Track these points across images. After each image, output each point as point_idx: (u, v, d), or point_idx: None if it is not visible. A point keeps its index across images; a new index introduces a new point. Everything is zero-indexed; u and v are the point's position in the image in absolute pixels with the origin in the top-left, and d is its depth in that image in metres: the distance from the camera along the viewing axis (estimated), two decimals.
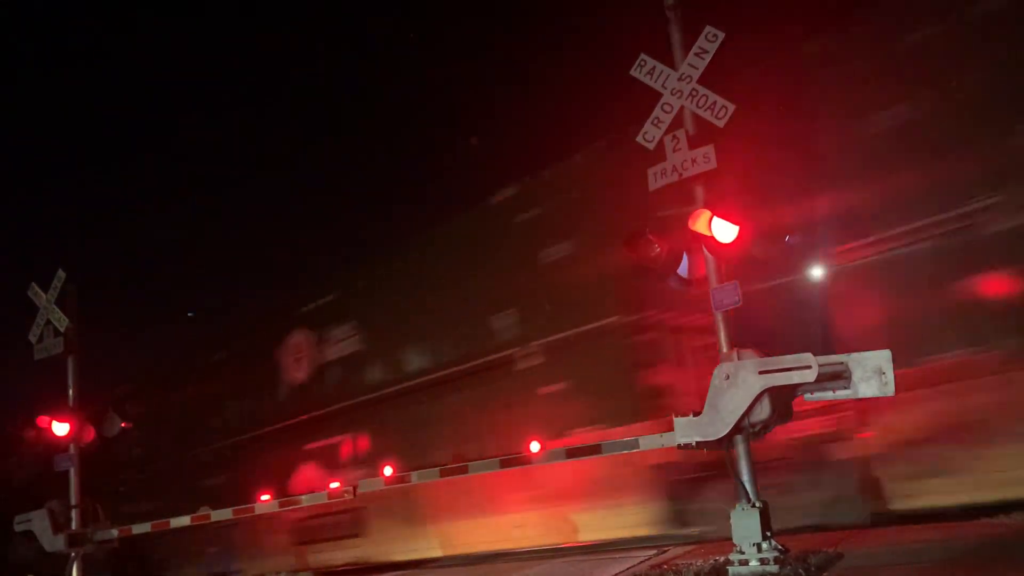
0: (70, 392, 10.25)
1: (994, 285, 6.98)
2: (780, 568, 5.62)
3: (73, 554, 9.72)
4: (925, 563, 5.40)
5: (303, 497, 8.90)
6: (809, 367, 5.59)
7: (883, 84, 7.73)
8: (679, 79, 6.49)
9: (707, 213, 6.13)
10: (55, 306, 10.32)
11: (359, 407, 12.46)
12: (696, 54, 6.42)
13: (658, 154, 6.58)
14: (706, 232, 6.15)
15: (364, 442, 12.27)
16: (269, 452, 13.64)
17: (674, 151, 6.48)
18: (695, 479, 8.34)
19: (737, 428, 5.90)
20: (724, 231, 6.08)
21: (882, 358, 5.63)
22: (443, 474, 8.24)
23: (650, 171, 6.63)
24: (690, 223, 6.20)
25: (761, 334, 6.28)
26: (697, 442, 6.02)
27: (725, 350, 6.15)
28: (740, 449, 6.11)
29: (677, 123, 6.56)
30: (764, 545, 5.78)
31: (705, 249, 6.31)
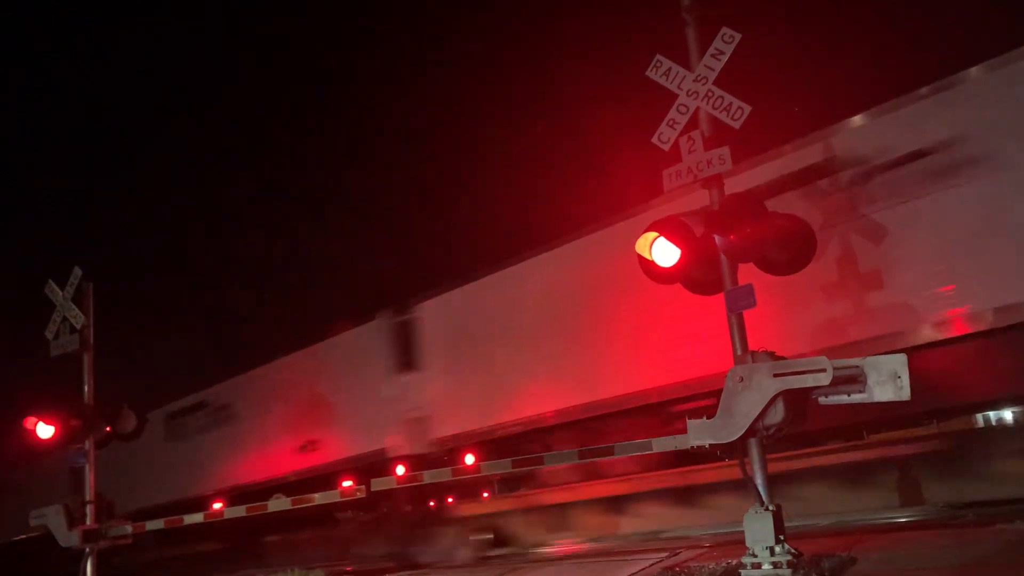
0: (85, 389, 10.32)
1: None
2: (793, 572, 5.58)
3: (87, 549, 9.77)
4: (940, 568, 5.36)
5: (316, 496, 8.92)
6: (824, 370, 5.55)
7: None
8: (695, 80, 6.47)
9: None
10: (71, 303, 10.39)
11: None
12: (712, 55, 6.40)
13: (673, 155, 6.57)
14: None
15: None
16: None
17: (689, 152, 6.46)
18: None
19: (751, 431, 5.87)
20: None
21: (897, 362, 5.59)
22: (455, 474, 8.26)
23: (665, 173, 6.61)
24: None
25: None
26: (710, 444, 6.00)
27: (739, 352, 6.12)
28: (753, 452, 6.08)
29: (692, 125, 6.55)
30: (777, 548, 5.74)
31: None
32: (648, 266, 6.57)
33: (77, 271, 10.50)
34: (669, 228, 6.40)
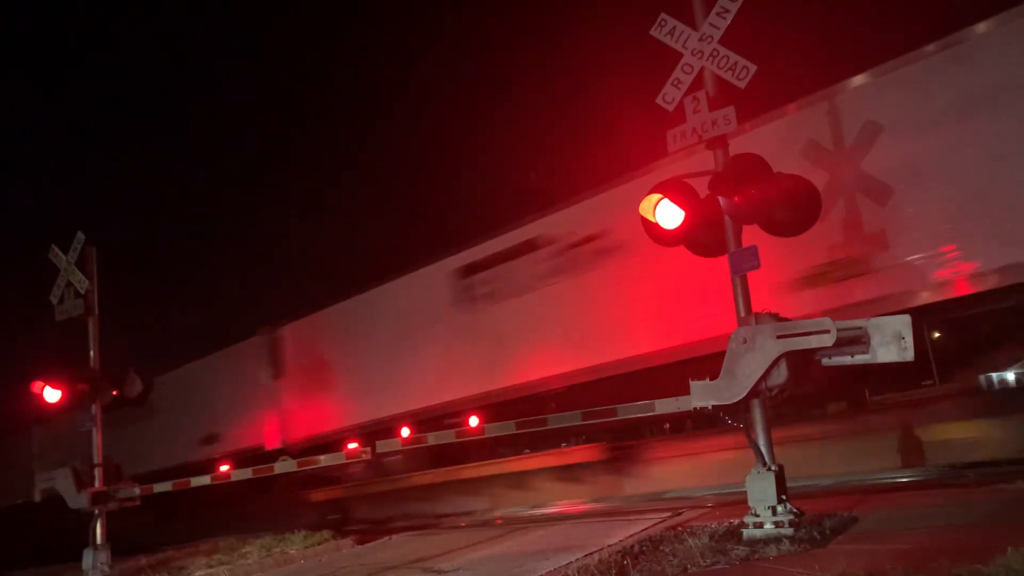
0: (91, 353, 10.37)
1: None
2: (795, 531, 5.63)
3: (96, 511, 9.90)
4: (941, 527, 5.39)
5: (322, 457, 9.00)
6: (827, 331, 5.55)
7: None
8: (700, 39, 6.38)
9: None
10: (75, 268, 10.40)
11: None
12: (718, 14, 6.30)
13: (677, 116, 6.50)
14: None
15: None
16: None
17: (694, 112, 6.39)
18: None
19: (754, 392, 5.89)
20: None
21: (901, 323, 5.58)
22: (459, 436, 8.31)
23: (669, 133, 6.55)
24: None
25: None
26: (713, 406, 6.02)
27: (743, 314, 6.12)
28: (756, 413, 6.11)
29: (697, 85, 6.47)
30: (779, 508, 5.80)
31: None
32: (652, 228, 6.54)
33: (80, 235, 10.50)
34: (673, 190, 6.37)
